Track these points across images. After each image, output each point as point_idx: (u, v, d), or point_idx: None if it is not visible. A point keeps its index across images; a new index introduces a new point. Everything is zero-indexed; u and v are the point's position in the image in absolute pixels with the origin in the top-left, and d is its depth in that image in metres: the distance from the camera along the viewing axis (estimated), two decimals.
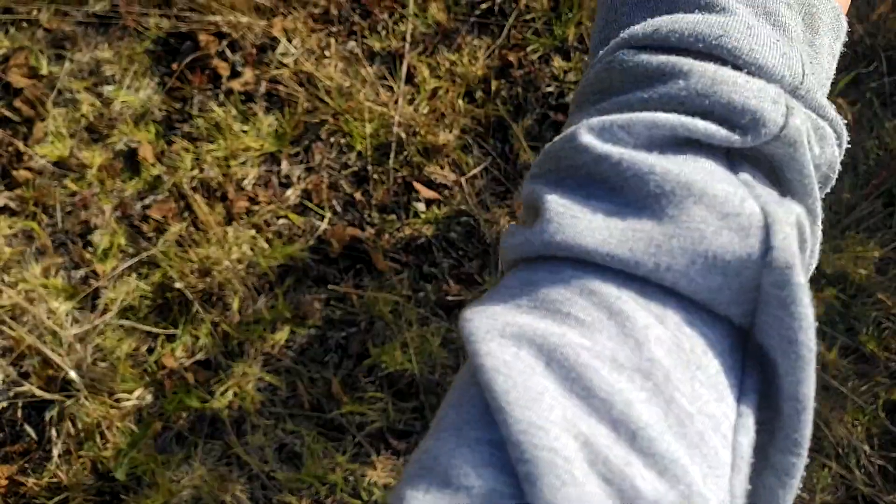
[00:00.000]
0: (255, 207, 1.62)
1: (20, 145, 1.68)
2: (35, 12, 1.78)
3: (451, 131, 1.65)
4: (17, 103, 1.71)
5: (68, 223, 1.63)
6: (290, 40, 1.72)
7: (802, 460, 0.30)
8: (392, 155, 1.63)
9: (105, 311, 1.56)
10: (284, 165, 1.66)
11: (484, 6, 1.74)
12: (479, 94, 1.68)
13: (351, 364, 1.51)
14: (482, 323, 0.29)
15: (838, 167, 0.36)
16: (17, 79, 1.73)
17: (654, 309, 0.29)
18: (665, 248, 0.29)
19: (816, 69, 0.35)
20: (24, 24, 1.78)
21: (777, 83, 0.33)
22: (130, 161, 1.68)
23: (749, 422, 0.29)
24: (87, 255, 1.60)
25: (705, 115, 0.32)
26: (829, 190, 0.36)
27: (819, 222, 0.36)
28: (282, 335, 1.52)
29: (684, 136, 0.31)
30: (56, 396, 1.49)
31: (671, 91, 0.32)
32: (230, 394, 1.48)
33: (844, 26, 0.37)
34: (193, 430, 1.48)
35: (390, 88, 1.68)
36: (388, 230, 1.59)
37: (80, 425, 1.48)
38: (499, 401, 0.26)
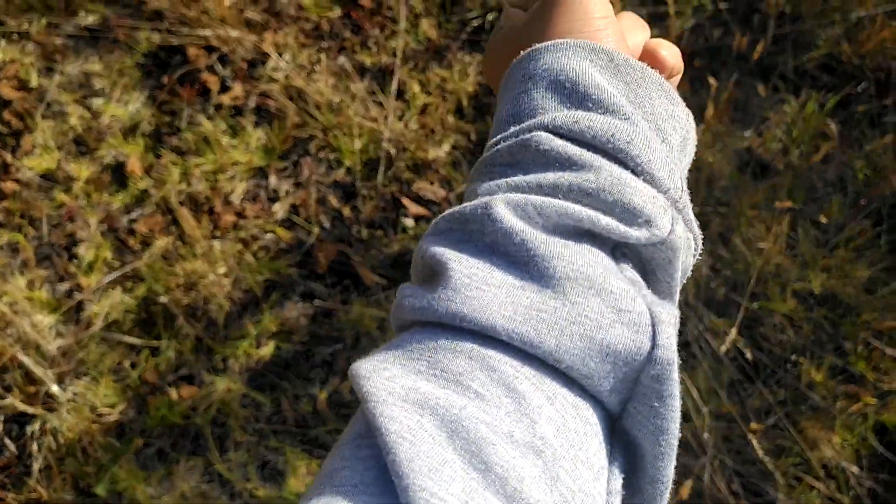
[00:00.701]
0: (243, 222, 1.61)
1: (8, 157, 1.68)
2: (26, 25, 1.78)
3: (440, 147, 1.64)
4: (6, 115, 1.71)
5: (54, 236, 1.62)
6: (280, 55, 1.72)
7: None
8: (381, 170, 1.63)
9: (89, 325, 1.54)
10: (273, 180, 1.65)
11: (475, 23, 1.75)
12: (469, 110, 1.68)
13: (337, 380, 1.49)
14: (382, 384, 0.30)
15: (689, 273, 0.40)
16: (6, 91, 1.72)
17: (547, 389, 0.32)
18: (567, 333, 0.32)
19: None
20: (15, 37, 1.78)
21: (664, 194, 0.36)
22: (118, 174, 1.67)
23: (617, 500, 0.33)
24: (72, 268, 1.59)
25: (607, 210, 0.35)
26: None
27: None
28: (267, 351, 1.51)
29: (586, 228, 0.35)
30: (38, 410, 1.47)
31: (581, 182, 0.35)
32: (213, 410, 1.47)
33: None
34: (175, 447, 1.46)
35: (380, 104, 1.68)
36: (375, 246, 1.58)
37: (61, 440, 1.46)
38: (402, 467, 0.27)
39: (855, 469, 1.34)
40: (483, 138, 1.66)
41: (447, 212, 0.36)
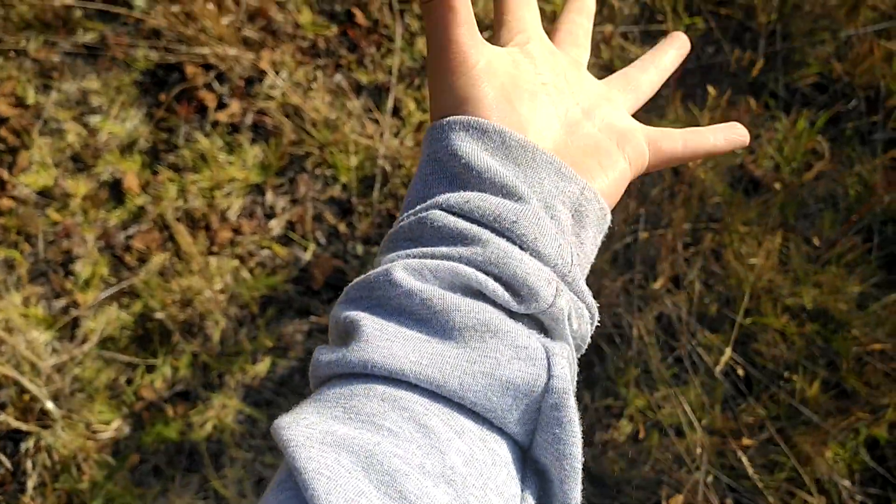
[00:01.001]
0: (239, 238, 1.62)
1: (4, 174, 1.68)
2: (23, 42, 1.79)
3: None
4: (3, 132, 1.72)
5: (50, 252, 1.63)
6: (277, 73, 1.74)
7: None
8: (377, 187, 1.64)
9: (84, 342, 1.54)
10: (269, 196, 1.66)
11: None
12: None
13: None
14: (300, 431, 0.33)
15: (588, 340, 0.43)
16: (3, 108, 1.73)
17: (455, 425, 0.35)
18: (469, 372, 0.35)
19: (582, 259, 0.42)
20: (12, 54, 1.79)
21: (551, 268, 0.39)
22: (115, 191, 1.68)
23: None
24: (68, 285, 1.59)
25: (495, 280, 0.38)
26: (579, 355, 0.43)
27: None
28: (263, 367, 1.51)
29: (477, 289, 0.38)
30: (32, 427, 1.47)
31: (470, 254, 0.38)
32: (209, 426, 1.47)
33: (608, 220, 0.45)
34: (171, 463, 1.46)
35: (376, 121, 1.70)
36: (371, 262, 1.59)
37: (55, 457, 1.46)
38: (320, 500, 0.29)
39: (847, 483, 1.35)
40: None
41: (355, 280, 0.40)
